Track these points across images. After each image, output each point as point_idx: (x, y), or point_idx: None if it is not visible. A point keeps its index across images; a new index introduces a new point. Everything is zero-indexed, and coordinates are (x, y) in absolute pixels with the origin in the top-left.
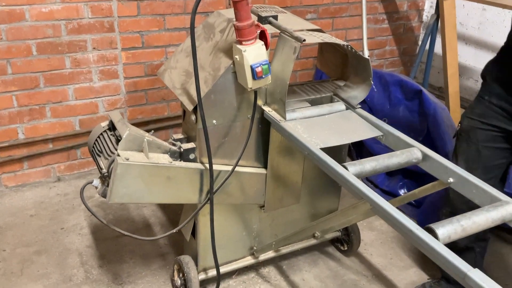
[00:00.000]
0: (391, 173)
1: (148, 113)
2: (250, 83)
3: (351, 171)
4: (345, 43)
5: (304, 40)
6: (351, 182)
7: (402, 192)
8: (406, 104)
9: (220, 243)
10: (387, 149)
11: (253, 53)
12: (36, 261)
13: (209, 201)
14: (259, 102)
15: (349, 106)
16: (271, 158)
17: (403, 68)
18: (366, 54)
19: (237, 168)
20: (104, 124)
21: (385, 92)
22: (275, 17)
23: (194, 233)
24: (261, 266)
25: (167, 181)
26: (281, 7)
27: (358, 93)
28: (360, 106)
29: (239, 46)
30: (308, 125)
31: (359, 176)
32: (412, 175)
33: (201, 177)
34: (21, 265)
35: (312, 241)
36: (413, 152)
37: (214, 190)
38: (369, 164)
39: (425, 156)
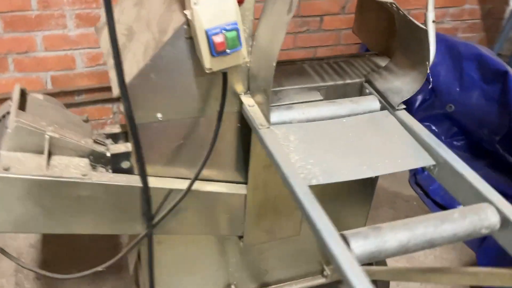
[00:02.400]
0: None
1: None
2: (208, 61)
3: (356, 251)
4: None
5: None
6: (351, 281)
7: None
8: (484, 88)
9: (180, 282)
10: None
11: (212, 8)
12: None
13: (147, 236)
14: (238, 89)
15: (387, 104)
16: (254, 174)
17: (485, 34)
18: (430, 17)
19: (203, 186)
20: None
21: (455, 68)
22: None
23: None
24: None
25: (78, 203)
26: None
27: (404, 84)
28: (404, 107)
29: None
30: (308, 135)
31: (370, 259)
32: None
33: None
34: None
35: (320, 280)
36: (484, 213)
37: (159, 218)
38: (394, 238)
39: (505, 222)
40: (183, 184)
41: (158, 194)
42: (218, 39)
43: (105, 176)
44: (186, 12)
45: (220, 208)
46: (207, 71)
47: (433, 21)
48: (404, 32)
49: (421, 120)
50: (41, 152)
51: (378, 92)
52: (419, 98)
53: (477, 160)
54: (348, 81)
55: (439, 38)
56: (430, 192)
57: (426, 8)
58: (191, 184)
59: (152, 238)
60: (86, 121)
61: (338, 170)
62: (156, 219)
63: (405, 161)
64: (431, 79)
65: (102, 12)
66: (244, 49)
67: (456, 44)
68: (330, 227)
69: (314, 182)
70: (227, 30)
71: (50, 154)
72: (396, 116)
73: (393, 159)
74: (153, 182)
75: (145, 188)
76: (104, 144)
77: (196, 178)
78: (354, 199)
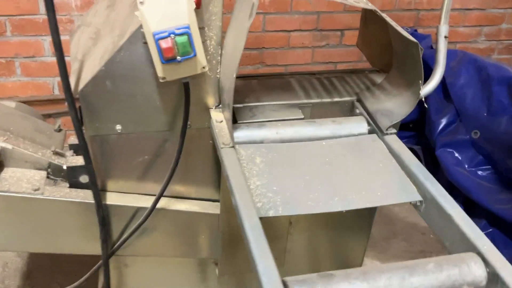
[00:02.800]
0: (470, 211)
1: None
2: (160, 69)
3: None
4: (360, 4)
5: None
6: None
7: None
8: None
9: None
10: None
11: (160, 9)
12: None
13: (103, 264)
14: (209, 103)
15: (375, 127)
16: (226, 195)
17: None
18: (443, 32)
19: (172, 204)
20: None
21: (484, 91)
22: None
23: None
24: None
25: (31, 219)
26: None
27: (396, 106)
28: (394, 131)
29: None
30: (278, 158)
31: None
32: (503, 224)
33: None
34: None
35: None
36: (468, 265)
37: (119, 242)
38: None
39: (494, 278)
40: (150, 202)
41: (122, 212)
42: (164, 44)
43: (60, 191)
44: (137, 13)
45: (193, 229)
46: (161, 80)
47: (445, 37)
48: (398, 46)
49: (443, 146)
50: None
51: (368, 113)
52: (443, 121)
53: (503, 193)
54: (337, 99)
55: (468, 58)
56: None
57: (439, 19)
58: (155, 203)
59: (108, 265)
60: (59, 130)
61: (304, 201)
62: (118, 242)
63: (386, 195)
64: (457, 98)
65: (85, 16)
66: (201, 57)
67: (486, 65)
68: (272, 270)
69: (272, 213)
70: (176, 35)
71: (2, 166)
72: (384, 141)
73: (372, 191)
74: (115, 199)
75: (98, 207)
76: (64, 156)
77: (160, 196)
78: (350, 228)
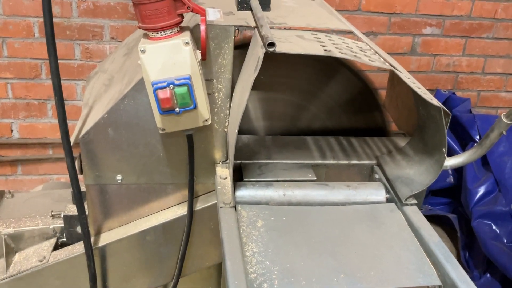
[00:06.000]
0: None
1: None
2: (159, 120)
3: None
4: (376, 62)
5: (272, 44)
6: None
7: None
8: None
9: None
10: None
11: (161, 58)
12: None
13: None
14: (216, 157)
15: (394, 196)
16: None
17: None
18: (503, 127)
19: None
20: None
21: None
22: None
23: None
24: None
25: (50, 286)
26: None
27: (417, 174)
28: (415, 202)
29: (140, 44)
30: (282, 223)
31: None
32: None
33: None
34: None
35: None
36: None
37: None
38: None
39: None
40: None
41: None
42: (162, 94)
43: (64, 251)
44: (139, 61)
45: None
46: (160, 132)
47: (502, 133)
48: (421, 109)
49: (480, 217)
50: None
51: (388, 179)
52: (480, 190)
53: None
54: (355, 161)
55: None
56: None
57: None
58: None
59: None
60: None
61: (304, 276)
62: None
63: (399, 275)
64: (495, 166)
65: (104, 63)
66: (202, 110)
67: None
68: None
69: None
70: (175, 85)
71: (13, 252)
72: (403, 213)
73: (383, 269)
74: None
75: (90, 262)
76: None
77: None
78: None
